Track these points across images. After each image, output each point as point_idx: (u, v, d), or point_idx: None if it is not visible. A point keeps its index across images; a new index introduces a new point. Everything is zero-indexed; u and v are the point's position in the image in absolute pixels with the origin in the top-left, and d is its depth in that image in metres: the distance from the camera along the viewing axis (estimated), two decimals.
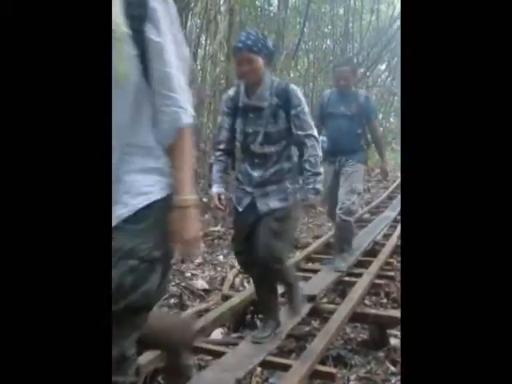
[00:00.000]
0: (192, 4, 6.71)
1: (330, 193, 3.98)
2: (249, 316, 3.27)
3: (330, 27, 12.99)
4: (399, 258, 4.08)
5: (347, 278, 3.78)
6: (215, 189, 2.53)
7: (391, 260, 4.23)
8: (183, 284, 3.94)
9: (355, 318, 3.02)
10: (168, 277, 1.37)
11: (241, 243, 2.57)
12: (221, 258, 4.77)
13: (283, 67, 9.58)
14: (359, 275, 3.71)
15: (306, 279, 3.56)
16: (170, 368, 2.04)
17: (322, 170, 2.48)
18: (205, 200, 5.97)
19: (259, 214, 2.44)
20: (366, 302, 3.62)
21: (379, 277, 3.82)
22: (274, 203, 2.45)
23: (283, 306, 2.87)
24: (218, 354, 2.45)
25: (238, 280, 4.12)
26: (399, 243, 4.53)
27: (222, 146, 2.56)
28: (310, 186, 2.43)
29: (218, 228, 5.57)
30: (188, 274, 4.21)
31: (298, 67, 11.93)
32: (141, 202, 1.25)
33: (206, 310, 3.28)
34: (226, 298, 3.33)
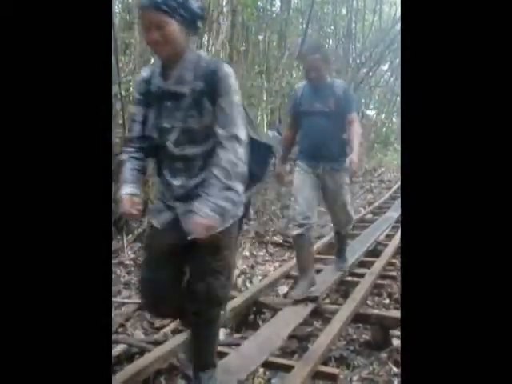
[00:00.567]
0: None
1: (301, 205, 3.25)
2: (251, 316, 3.27)
3: (332, 27, 12.98)
4: None
5: (350, 279, 3.78)
6: (127, 189, 1.85)
7: (394, 260, 4.22)
8: None
9: (358, 318, 3.02)
10: None
11: (155, 270, 1.91)
12: None
13: (285, 67, 9.58)
14: (362, 275, 3.71)
15: None
16: None
17: (239, 187, 1.72)
18: None
19: (184, 237, 1.75)
20: (369, 302, 3.61)
21: (382, 277, 3.81)
22: None
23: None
24: (220, 355, 2.45)
25: (240, 280, 4.12)
26: None
27: (135, 144, 1.92)
28: (211, 201, 1.68)
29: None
30: None
31: (301, 67, 11.92)
32: None
33: None
34: None
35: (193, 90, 1.75)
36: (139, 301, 3.43)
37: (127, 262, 4.29)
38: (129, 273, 4.12)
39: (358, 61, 13.15)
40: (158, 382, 2.45)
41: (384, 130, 15.96)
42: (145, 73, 1.90)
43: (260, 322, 3.19)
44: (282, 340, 2.62)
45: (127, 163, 1.91)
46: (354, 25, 13.52)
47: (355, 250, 4.33)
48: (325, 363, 2.51)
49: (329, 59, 3.38)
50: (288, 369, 2.27)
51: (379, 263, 3.93)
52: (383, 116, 16.40)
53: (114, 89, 4.63)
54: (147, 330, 3.13)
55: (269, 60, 9.34)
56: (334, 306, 3.22)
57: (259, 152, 1.93)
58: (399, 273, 3.86)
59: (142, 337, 2.97)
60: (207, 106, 1.75)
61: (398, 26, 12.51)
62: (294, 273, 3.71)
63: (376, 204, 7.42)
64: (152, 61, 6.32)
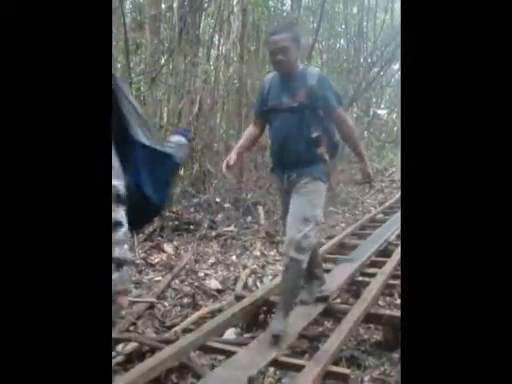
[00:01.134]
0: (205, 4, 6.74)
1: (283, 219, 2.83)
2: (262, 316, 3.27)
3: (343, 26, 12.92)
4: None
5: (361, 278, 3.76)
6: None
7: None
8: (196, 284, 3.95)
9: (369, 318, 3.00)
10: None
11: None
12: (234, 258, 4.78)
13: None
14: (373, 275, 3.69)
15: None
16: None
17: None
18: (217, 200, 5.99)
19: None
20: (380, 302, 3.59)
21: (393, 277, 3.78)
22: None
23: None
24: (231, 354, 2.45)
25: (250, 280, 4.13)
26: None
27: None
28: None
29: (231, 228, 5.58)
30: (201, 274, 4.23)
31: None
32: None
33: (219, 310, 3.29)
34: (238, 298, 3.34)
35: None
36: (150, 300, 3.46)
37: (138, 262, 4.31)
38: (139, 272, 4.14)
39: (369, 60, 13.07)
40: (169, 380, 2.46)
41: (395, 129, 15.86)
42: None
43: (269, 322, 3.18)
44: (293, 337, 2.61)
45: None
46: (365, 23, 13.44)
47: (366, 250, 4.32)
48: (336, 363, 2.50)
49: (299, 40, 2.66)
50: (298, 368, 2.26)
51: (390, 263, 3.90)
52: (394, 116, 16.30)
53: None
54: (158, 329, 3.14)
55: None
56: (345, 306, 3.20)
57: (154, 163, 1.46)
58: None
59: (153, 335, 2.98)
60: None
61: None
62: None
63: (387, 204, 7.39)
64: (162, 61, 6.35)
